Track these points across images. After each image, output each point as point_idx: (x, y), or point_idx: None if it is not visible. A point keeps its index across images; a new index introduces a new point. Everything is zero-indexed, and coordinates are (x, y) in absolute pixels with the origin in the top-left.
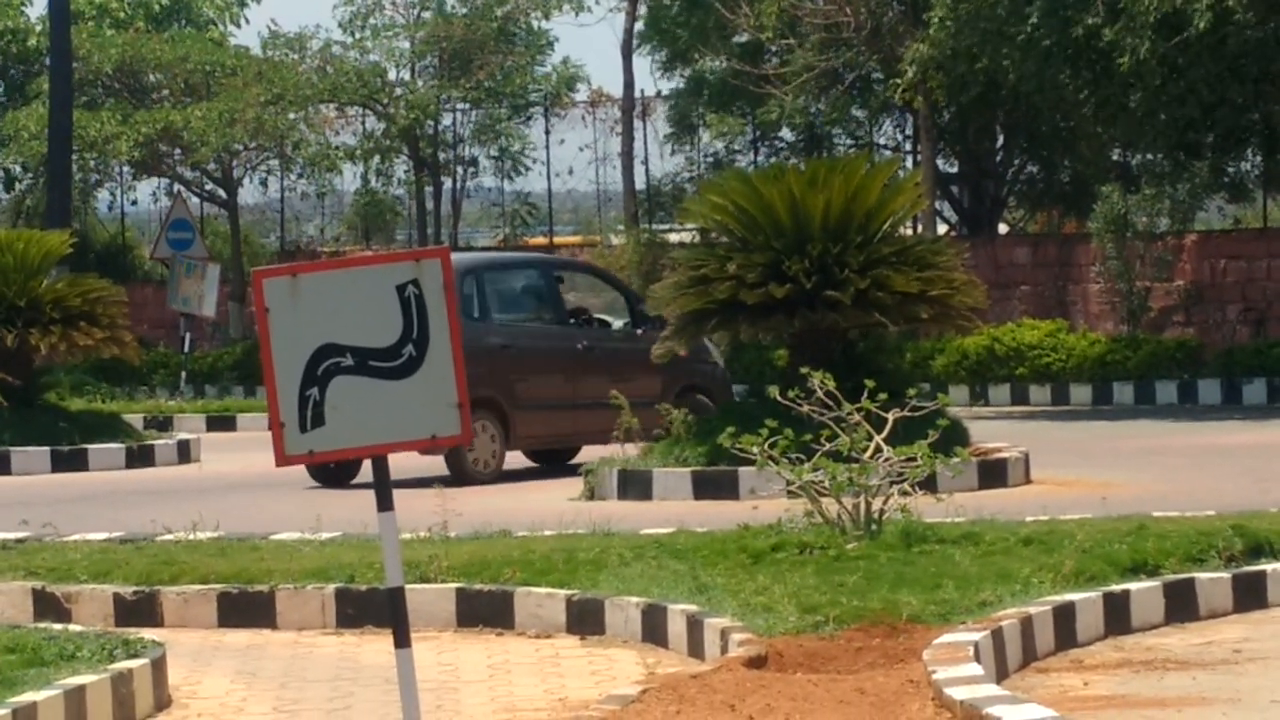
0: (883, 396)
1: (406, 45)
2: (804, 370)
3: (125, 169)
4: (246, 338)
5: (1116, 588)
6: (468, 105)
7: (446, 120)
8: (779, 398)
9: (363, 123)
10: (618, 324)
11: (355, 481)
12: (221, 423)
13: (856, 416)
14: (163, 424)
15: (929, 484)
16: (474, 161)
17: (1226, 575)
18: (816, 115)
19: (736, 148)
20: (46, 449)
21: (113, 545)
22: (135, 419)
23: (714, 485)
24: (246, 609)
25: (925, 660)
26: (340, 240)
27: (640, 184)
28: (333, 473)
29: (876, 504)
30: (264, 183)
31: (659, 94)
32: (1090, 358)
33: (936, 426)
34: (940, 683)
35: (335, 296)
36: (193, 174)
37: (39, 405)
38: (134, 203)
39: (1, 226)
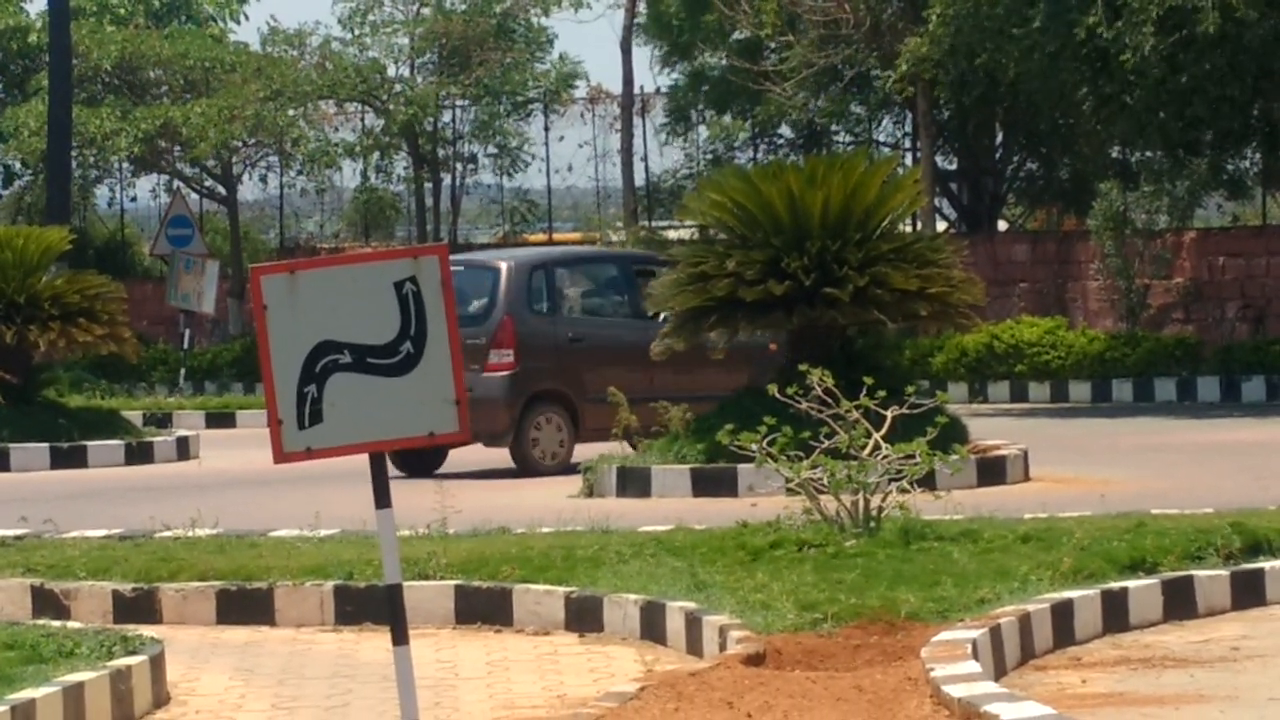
0: (881, 394)
1: (406, 42)
2: (803, 367)
3: (125, 165)
4: (246, 334)
5: (1115, 585)
6: (467, 102)
7: (446, 117)
8: (778, 395)
9: (362, 119)
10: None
11: (439, 471)
12: (220, 419)
13: (855, 414)
14: (162, 421)
15: (927, 481)
16: (473, 158)
17: (1225, 573)
18: (815, 112)
19: (736, 145)
20: (45, 446)
21: (111, 542)
22: (134, 416)
23: (712, 482)
24: (245, 606)
25: (923, 658)
26: (340, 237)
27: (639, 181)
28: (417, 463)
29: (875, 501)
30: (263, 179)
31: (658, 90)
32: (1089, 355)
33: (935, 424)
34: (938, 680)
35: (333, 293)
36: (192, 170)
37: (38, 402)
38: (133, 199)
39: (1, 223)
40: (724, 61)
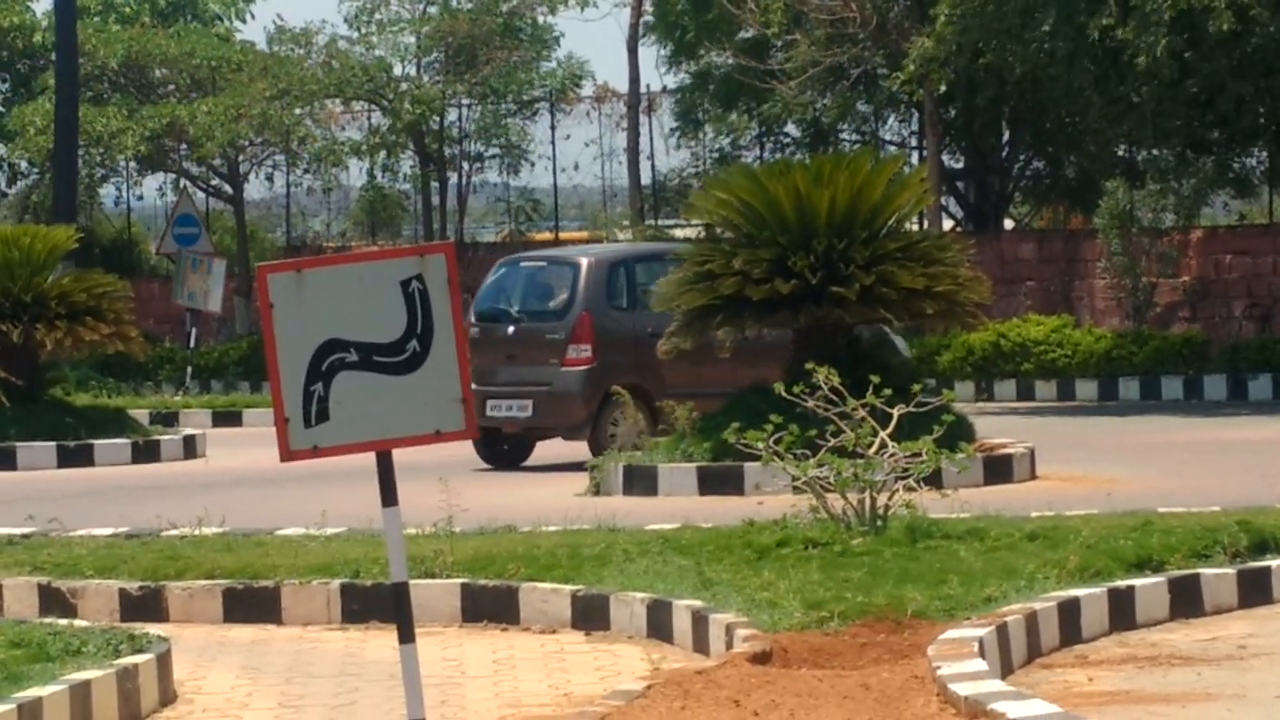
0: (888, 392)
1: (412, 40)
2: (809, 366)
3: (131, 164)
4: (252, 333)
5: (1121, 583)
6: (473, 101)
7: (452, 116)
8: (784, 393)
9: (368, 118)
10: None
11: (528, 464)
12: (227, 418)
13: (861, 412)
14: (168, 419)
15: (934, 480)
16: (479, 157)
17: (1231, 571)
18: (822, 111)
19: (742, 143)
20: (52, 444)
21: (118, 540)
22: (141, 414)
23: (719, 481)
24: (252, 604)
25: (930, 656)
26: (346, 236)
27: (646, 179)
28: (503, 454)
29: (881, 500)
30: (270, 178)
31: (664, 89)
32: (1096, 353)
33: (942, 422)
34: (945, 678)
35: (339, 292)
36: (198, 169)
37: (45, 401)
38: (140, 198)
39: (8, 222)
40: (730, 60)
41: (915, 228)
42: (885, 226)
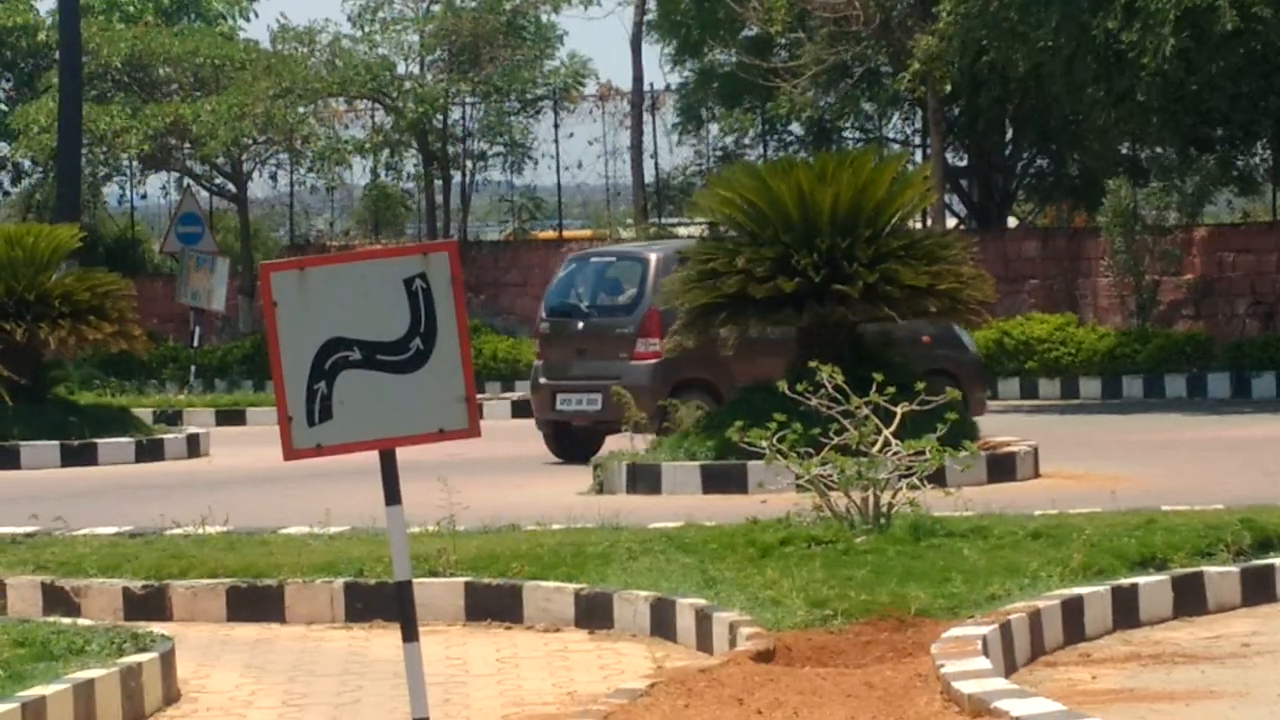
0: (891, 390)
1: (415, 39)
2: (812, 364)
3: (135, 163)
4: (256, 332)
5: (1125, 581)
6: (477, 99)
7: (455, 114)
8: (787, 391)
9: (372, 116)
10: None
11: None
12: (230, 417)
13: (865, 410)
14: (172, 418)
15: (938, 478)
16: (483, 155)
17: (1235, 569)
18: (825, 109)
19: (746, 141)
20: (56, 443)
21: (122, 539)
22: (144, 413)
23: (723, 479)
24: (255, 603)
25: (933, 654)
26: (350, 234)
27: (649, 178)
28: (573, 449)
29: (885, 498)
30: (273, 176)
31: (668, 87)
32: (1099, 351)
33: (945, 420)
34: (948, 676)
35: (343, 290)
36: (202, 168)
37: (48, 400)
38: (143, 197)
39: (11, 220)
40: (734, 58)
41: (919, 226)
42: (888, 224)
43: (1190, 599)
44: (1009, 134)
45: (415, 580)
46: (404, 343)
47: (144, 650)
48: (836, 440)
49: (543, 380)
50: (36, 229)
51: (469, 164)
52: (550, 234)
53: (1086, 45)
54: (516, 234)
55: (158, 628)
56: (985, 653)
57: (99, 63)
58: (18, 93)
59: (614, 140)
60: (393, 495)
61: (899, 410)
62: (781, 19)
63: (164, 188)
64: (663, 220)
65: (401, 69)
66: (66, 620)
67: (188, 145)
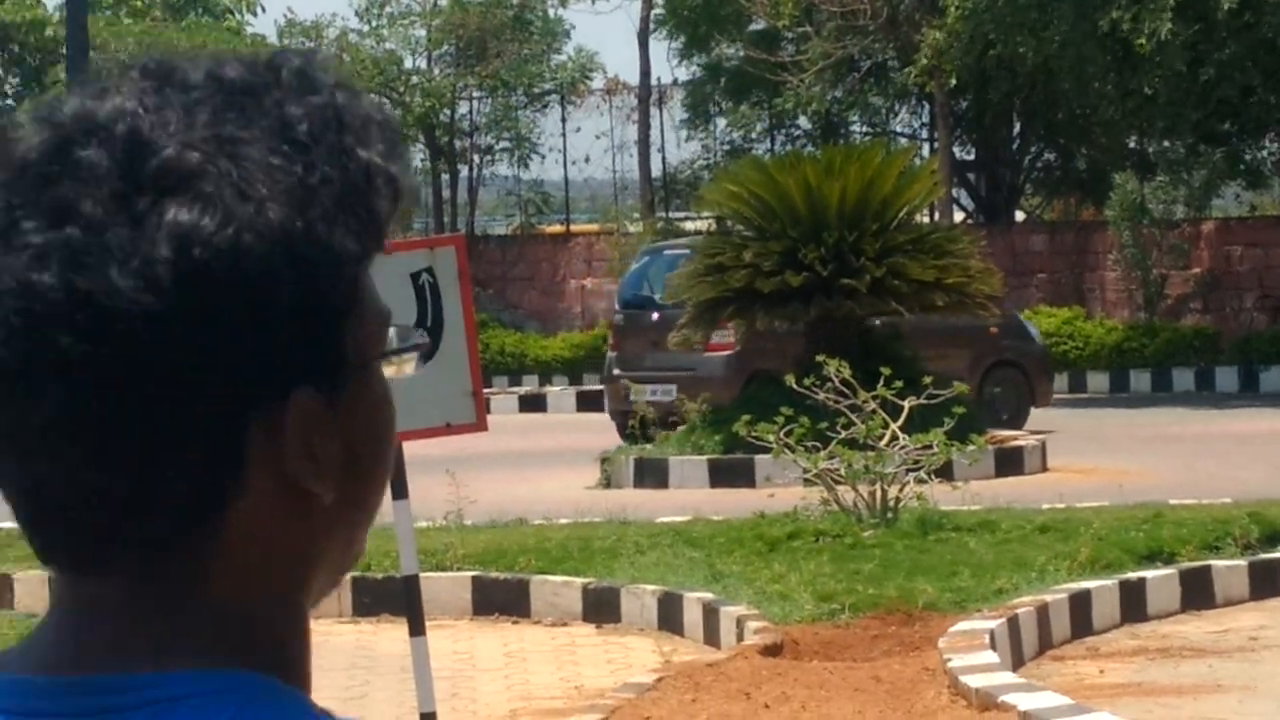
0: (899, 384)
1: (422, 33)
2: (820, 358)
3: None
4: None
5: (1133, 575)
6: (484, 93)
7: (463, 109)
8: (795, 385)
9: None
10: None
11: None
12: None
13: (872, 404)
14: None
15: (945, 472)
16: (490, 150)
17: (1243, 563)
18: (833, 103)
19: (753, 135)
20: None
21: None
22: None
23: (730, 473)
24: None
25: (941, 648)
26: None
27: (656, 172)
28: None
29: (892, 492)
30: None
31: (675, 81)
32: (1107, 345)
33: (952, 414)
34: (956, 670)
35: None
36: None
37: None
38: None
39: None
40: (741, 53)
41: (926, 220)
42: (896, 219)
43: (1198, 593)
44: (1016, 128)
45: (422, 574)
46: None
47: None
48: (844, 434)
49: (616, 371)
50: None
51: (476, 158)
52: (557, 228)
53: (1094, 38)
54: (524, 228)
55: None
56: (993, 646)
57: (106, 58)
58: (26, 88)
59: (621, 135)
60: (400, 489)
61: (906, 404)
62: (789, 13)
63: None
64: (670, 215)
65: (409, 63)
66: None
67: None
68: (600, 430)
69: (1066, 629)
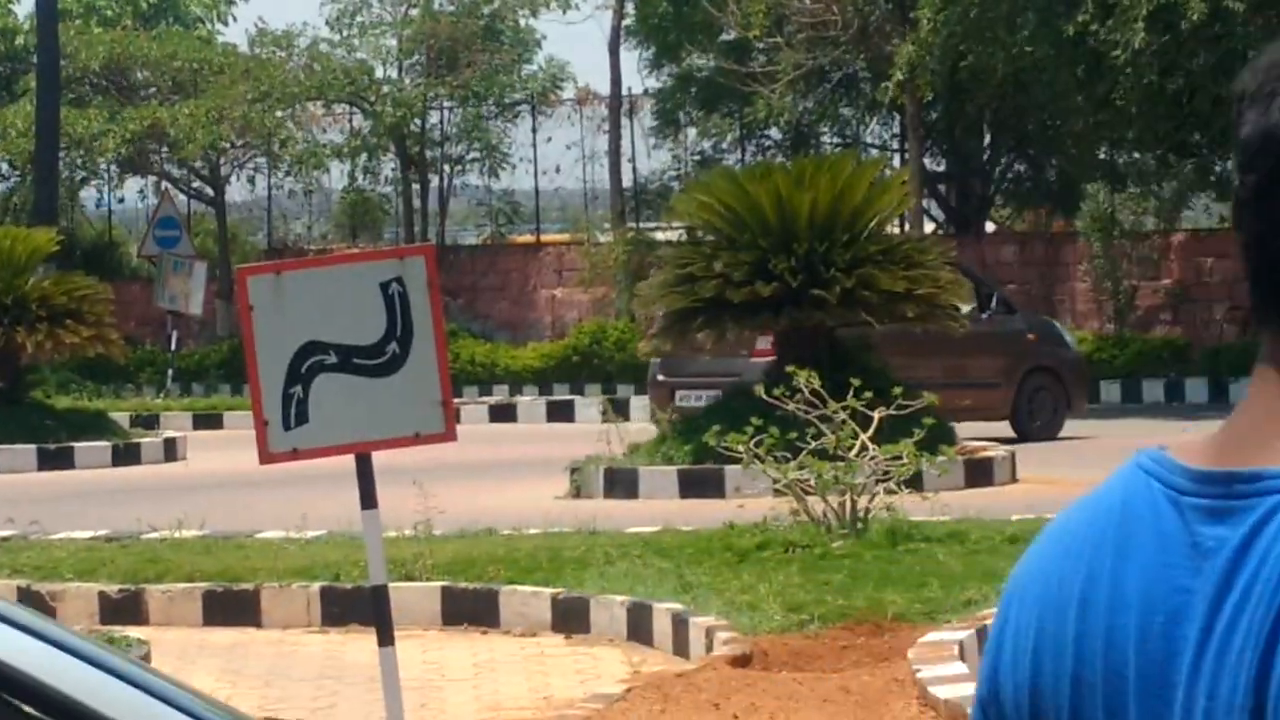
0: (869, 395)
1: (393, 43)
2: (790, 368)
3: (112, 166)
4: (233, 336)
5: None
6: (454, 103)
7: (433, 118)
8: (765, 395)
9: (350, 120)
10: (965, 307)
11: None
12: (208, 421)
13: (842, 415)
14: (149, 422)
15: (915, 483)
16: (460, 160)
17: None
18: (804, 114)
19: (724, 146)
20: (33, 447)
21: (98, 543)
22: (122, 417)
23: (700, 484)
24: (231, 607)
25: (910, 659)
26: (327, 238)
27: (627, 182)
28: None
29: (862, 502)
30: (251, 180)
31: (646, 92)
32: None
33: (922, 425)
34: (925, 681)
35: (319, 294)
36: (180, 172)
37: (25, 403)
38: (121, 200)
39: None
40: (712, 63)
41: (896, 230)
42: (866, 229)
43: None
44: (987, 139)
45: (391, 584)
46: (380, 346)
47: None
48: (814, 445)
49: (660, 377)
50: (13, 232)
51: (447, 168)
52: (528, 238)
53: (1064, 48)
54: (494, 238)
55: (134, 632)
56: (962, 658)
57: (77, 66)
58: None
59: (592, 144)
60: (369, 499)
61: (876, 415)
62: (760, 24)
63: (141, 191)
64: (640, 225)
65: (380, 73)
66: None
67: (165, 149)
68: (570, 440)
69: None
